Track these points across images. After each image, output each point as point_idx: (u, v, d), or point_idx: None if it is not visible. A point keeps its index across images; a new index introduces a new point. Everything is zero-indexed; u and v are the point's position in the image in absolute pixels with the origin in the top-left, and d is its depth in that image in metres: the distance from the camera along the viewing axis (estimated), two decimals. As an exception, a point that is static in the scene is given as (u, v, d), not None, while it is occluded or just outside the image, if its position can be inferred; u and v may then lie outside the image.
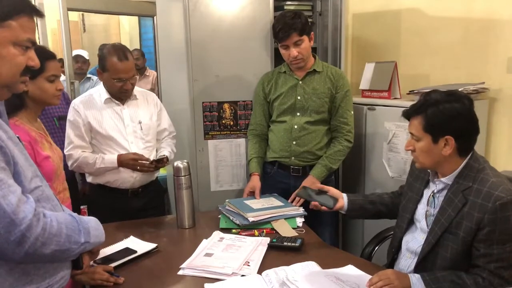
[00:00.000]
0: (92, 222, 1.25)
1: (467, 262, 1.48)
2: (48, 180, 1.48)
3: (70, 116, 2.18)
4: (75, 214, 1.22)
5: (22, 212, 1.02)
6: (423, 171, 1.68)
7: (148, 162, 2.16)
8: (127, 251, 1.75)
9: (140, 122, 2.25)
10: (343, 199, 1.83)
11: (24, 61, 1.10)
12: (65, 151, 2.15)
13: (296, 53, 2.26)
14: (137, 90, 2.30)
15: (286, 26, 2.24)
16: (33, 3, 3.41)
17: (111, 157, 2.16)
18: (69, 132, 2.17)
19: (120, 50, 2.11)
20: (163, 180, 2.88)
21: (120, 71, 2.10)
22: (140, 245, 1.83)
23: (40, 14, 1.13)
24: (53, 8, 3.49)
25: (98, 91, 2.23)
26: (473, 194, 1.47)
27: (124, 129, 2.21)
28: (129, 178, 2.22)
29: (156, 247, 1.81)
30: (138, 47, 5.97)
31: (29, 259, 1.07)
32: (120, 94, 2.19)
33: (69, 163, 2.18)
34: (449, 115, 1.47)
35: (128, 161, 2.14)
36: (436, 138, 1.49)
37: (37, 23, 3.87)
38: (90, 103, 2.20)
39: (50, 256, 1.09)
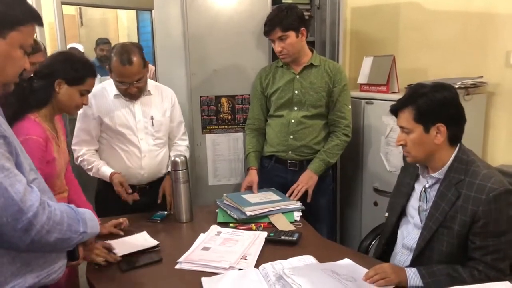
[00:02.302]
0: (87, 214, 1.26)
1: (464, 255, 1.49)
2: (49, 182, 1.51)
3: (81, 110, 2.12)
4: (72, 205, 1.24)
5: (29, 200, 1.05)
6: (412, 165, 1.68)
7: (129, 193, 2.12)
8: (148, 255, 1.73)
9: (152, 118, 2.20)
10: None
11: (24, 64, 1.18)
12: (72, 146, 2.16)
13: (279, 48, 2.26)
14: (152, 84, 2.26)
15: (270, 21, 2.25)
16: None
17: (107, 170, 2.14)
18: (77, 125, 2.17)
19: (125, 52, 2.02)
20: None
21: (122, 75, 2.05)
22: (144, 241, 1.83)
23: (41, 24, 1.22)
24: (51, 2, 3.48)
25: (111, 85, 2.18)
26: (466, 187, 1.48)
27: (135, 125, 2.18)
28: (136, 175, 2.21)
29: (158, 245, 1.79)
30: (136, 41, 5.95)
31: (35, 247, 1.10)
32: (126, 96, 2.15)
33: (75, 158, 2.19)
34: (440, 103, 1.50)
35: (114, 183, 2.12)
36: (428, 127, 1.50)
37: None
38: (102, 97, 2.17)
39: (53, 244, 1.12)
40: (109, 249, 1.68)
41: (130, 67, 2.02)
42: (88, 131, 2.16)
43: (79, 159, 2.17)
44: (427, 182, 1.61)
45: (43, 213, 1.07)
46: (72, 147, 2.18)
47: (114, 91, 2.16)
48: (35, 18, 1.18)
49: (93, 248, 1.60)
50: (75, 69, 1.71)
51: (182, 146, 2.35)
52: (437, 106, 1.49)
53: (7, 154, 1.06)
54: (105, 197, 2.23)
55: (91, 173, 2.18)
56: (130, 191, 2.12)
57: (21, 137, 1.51)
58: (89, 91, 1.79)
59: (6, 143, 1.07)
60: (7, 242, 1.05)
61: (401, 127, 1.56)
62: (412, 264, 1.59)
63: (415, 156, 1.56)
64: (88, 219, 1.25)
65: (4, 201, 1.01)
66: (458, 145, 1.56)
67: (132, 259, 1.67)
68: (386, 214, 1.89)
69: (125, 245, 1.78)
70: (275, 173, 2.44)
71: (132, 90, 2.10)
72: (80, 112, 2.15)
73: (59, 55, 1.81)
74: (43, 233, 1.07)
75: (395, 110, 1.59)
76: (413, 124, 1.52)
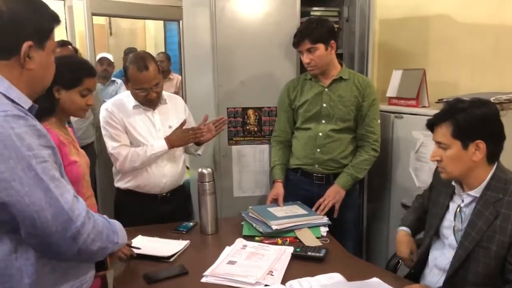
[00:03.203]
0: (117, 225, 1.28)
1: (501, 279, 1.43)
2: (76, 185, 1.52)
3: (107, 118, 2.15)
4: (105, 216, 1.25)
5: (77, 209, 1.07)
6: (446, 184, 1.63)
7: (199, 129, 2.18)
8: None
9: (170, 127, 2.23)
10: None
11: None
12: (111, 151, 2.13)
13: (307, 60, 2.25)
14: (166, 94, 2.29)
15: (300, 32, 2.25)
16: (62, 7, 3.43)
17: (159, 142, 2.15)
18: (112, 132, 2.15)
19: (140, 60, 2.07)
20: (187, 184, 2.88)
21: (141, 82, 2.08)
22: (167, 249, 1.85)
23: (60, 22, 1.22)
24: (82, 11, 3.56)
25: (128, 96, 2.22)
26: (505, 206, 1.43)
27: (156, 134, 2.20)
28: (159, 183, 2.22)
29: (170, 257, 1.79)
30: (164, 51, 6.03)
31: (81, 256, 1.11)
32: (145, 103, 2.18)
33: (117, 163, 2.14)
34: (479, 119, 1.46)
35: (178, 139, 2.14)
36: (466, 144, 1.46)
37: (66, 27, 3.96)
38: (122, 107, 2.19)
39: (95, 253, 1.14)
40: (129, 245, 1.72)
41: (147, 73, 2.07)
42: (122, 133, 2.16)
43: (129, 154, 2.11)
44: (462, 200, 1.56)
45: (89, 222, 1.09)
46: (114, 151, 2.13)
47: (133, 102, 2.19)
48: (58, 19, 1.19)
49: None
50: (68, 72, 1.68)
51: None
52: (477, 123, 1.45)
53: (55, 164, 1.08)
54: (124, 207, 2.24)
55: (145, 158, 2.11)
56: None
57: None
58: (90, 90, 1.76)
59: (53, 153, 1.09)
60: (55, 251, 1.07)
61: (438, 143, 1.52)
62: (444, 285, 1.54)
63: (451, 173, 1.52)
64: (119, 230, 1.26)
65: (55, 210, 1.03)
66: (496, 163, 1.51)
67: (159, 271, 1.67)
68: (403, 228, 1.84)
69: (148, 245, 1.82)
70: (300, 186, 2.41)
71: (152, 96, 2.13)
72: (108, 121, 2.15)
73: None
74: (88, 242, 1.09)
75: (431, 125, 1.54)
76: (451, 140, 1.47)
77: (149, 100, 2.16)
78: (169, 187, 2.26)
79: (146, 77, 2.08)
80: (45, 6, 1.15)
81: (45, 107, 1.63)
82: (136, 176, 2.20)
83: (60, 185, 1.06)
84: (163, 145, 2.14)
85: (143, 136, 2.18)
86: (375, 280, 1.59)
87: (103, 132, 2.19)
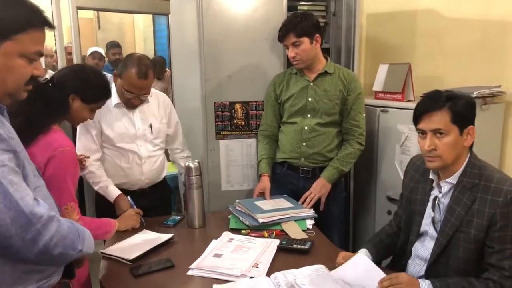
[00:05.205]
0: (87, 233, 1.25)
1: (480, 263, 1.48)
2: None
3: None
4: (74, 222, 1.22)
5: (39, 212, 1.06)
6: (421, 181, 1.65)
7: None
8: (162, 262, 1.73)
9: (150, 126, 2.24)
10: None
11: (30, 71, 1.10)
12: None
13: (293, 54, 2.26)
14: (151, 91, 2.28)
15: (284, 26, 2.26)
16: (49, 1, 3.31)
17: (112, 192, 2.14)
18: (80, 134, 2.17)
19: (143, 66, 2.07)
20: (173, 178, 2.88)
21: (134, 86, 2.09)
22: (156, 237, 1.92)
23: (51, 26, 1.12)
24: (67, 6, 3.51)
25: (112, 93, 2.21)
26: (482, 191, 1.47)
27: (135, 133, 2.21)
28: (137, 181, 2.25)
29: (173, 237, 1.90)
30: (152, 45, 6.01)
31: (41, 258, 1.10)
32: (126, 104, 2.18)
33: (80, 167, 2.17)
34: (471, 106, 1.51)
35: (117, 209, 2.13)
36: (462, 129, 1.49)
37: (53, 20, 3.90)
38: (104, 105, 2.18)
39: (56, 258, 1.12)
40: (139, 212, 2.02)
41: (146, 81, 2.09)
42: (92, 139, 2.17)
43: (86, 170, 2.15)
44: (440, 191, 1.58)
45: (52, 225, 1.08)
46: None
47: (115, 100, 2.18)
48: (38, 22, 1.08)
49: (128, 216, 1.99)
50: (94, 91, 1.76)
51: (184, 159, 2.42)
52: (470, 108, 1.50)
53: (16, 168, 1.07)
54: (103, 202, 2.22)
55: (95, 187, 2.17)
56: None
57: (56, 149, 1.54)
58: (99, 108, 1.84)
59: (15, 157, 1.07)
60: (15, 253, 1.06)
61: (434, 130, 1.49)
62: (426, 273, 1.57)
63: (446, 160, 1.50)
64: (87, 239, 1.23)
65: (15, 214, 1.02)
66: (470, 150, 1.56)
67: (145, 264, 1.68)
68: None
69: (139, 245, 1.84)
70: (287, 180, 2.43)
71: (136, 102, 2.15)
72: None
73: (80, 72, 1.79)
74: (51, 245, 1.08)
75: (424, 113, 1.51)
76: (450, 126, 1.47)
77: (131, 103, 2.16)
78: (148, 184, 2.29)
79: (142, 84, 2.09)
80: (12, 6, 1.05)
81: (62, 109, 1.67)
82: (114, 175, 2.21)
83: (20, 189, 1.05)
84: (111, 197, 2.14)
85: (120, 135, 2.18)
86: (362, 258, 1.63)
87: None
